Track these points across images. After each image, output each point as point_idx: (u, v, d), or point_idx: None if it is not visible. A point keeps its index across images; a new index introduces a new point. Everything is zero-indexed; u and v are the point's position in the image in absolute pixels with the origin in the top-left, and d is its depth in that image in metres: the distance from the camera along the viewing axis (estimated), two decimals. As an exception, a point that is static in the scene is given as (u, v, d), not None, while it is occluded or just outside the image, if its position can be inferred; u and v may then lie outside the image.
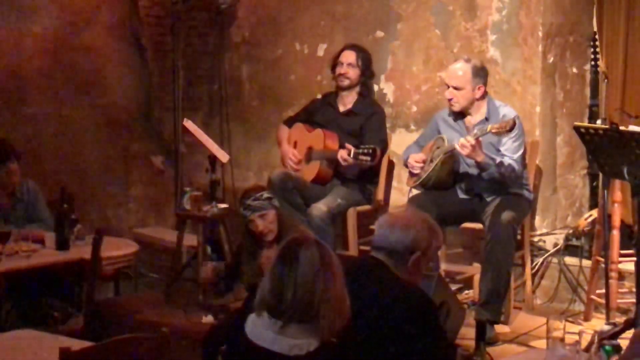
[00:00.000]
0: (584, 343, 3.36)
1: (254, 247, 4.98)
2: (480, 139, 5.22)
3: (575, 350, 3.28)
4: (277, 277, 2.79)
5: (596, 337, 3.29)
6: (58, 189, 5.77)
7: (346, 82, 6.10)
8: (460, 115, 5.53)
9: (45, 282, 5.39)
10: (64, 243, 5.26)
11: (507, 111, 5.42)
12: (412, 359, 3.04)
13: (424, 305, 3.19)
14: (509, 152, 5.32)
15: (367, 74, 6.13)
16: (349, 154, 5.62)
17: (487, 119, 5.41)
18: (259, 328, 2.79)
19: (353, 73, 6.08)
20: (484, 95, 5.48)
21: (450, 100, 5.48)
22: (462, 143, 5.19)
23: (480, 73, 5.47)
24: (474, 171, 5.40)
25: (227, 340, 2.88)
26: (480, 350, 2.59)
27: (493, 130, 5.14)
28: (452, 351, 3.28)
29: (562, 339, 3.38)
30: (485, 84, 5.48)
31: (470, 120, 5.50)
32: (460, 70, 5.46)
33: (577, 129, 4.53)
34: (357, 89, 6.12)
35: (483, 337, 2.69)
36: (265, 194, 4.93)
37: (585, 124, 5.33)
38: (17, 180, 5.66)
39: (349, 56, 6.09)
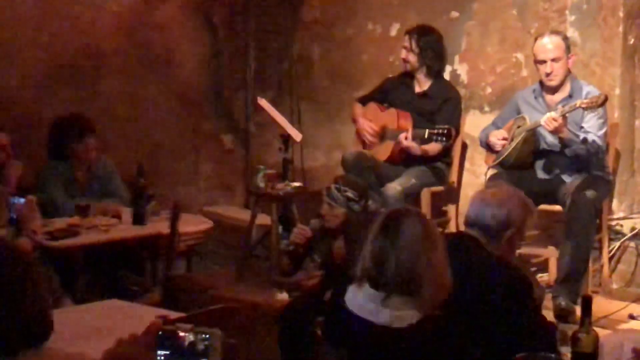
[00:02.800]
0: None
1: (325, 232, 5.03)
2: (568, 115, 5.17)
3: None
4: (379, 248, 2.77)
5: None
6: (129, 165, 5.84)
7: (407, 67, 6.08)
8: (542, 94, 5.47)
9: (121, 257, 5.46)
10: (140, 218, 5.32)
11: (590, 89, 5.37)
12: (513, 335, 3.01)
13: (521, 281, 3.16)
14: (593, 129, 5.26)
15: (427, 56, 6.02)
16: (414, 137, 5.63)
17: (570, 96, 5.35)
18: (360, 299, 2.78)
19: (411, 57, 6.03)
20: (570, 70, 5.42)
21: (549, 75, 5.40)
22: (548, 119, 5.13)
23: (569, 43, 5.49)
24: (555, 150, 5.35)
25: (326, 313, 2.86)
26: (585, 326, 2.56)
27: (583, 105, 5.09)
28: (552, 327, 3.25)
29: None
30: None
31: (552, 98, 5.44)
32: (553, 42, 5.42)
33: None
34: (425, 70, 6.06)
35: (589, 313, 2.65)
36: (350, 193, 4.93)
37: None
38: (95, 155, 5.72)
39: (405, 41, 6.06)
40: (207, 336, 2.02)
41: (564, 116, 5.14)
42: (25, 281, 2.11)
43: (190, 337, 2.03)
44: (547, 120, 5.14)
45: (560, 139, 5.23)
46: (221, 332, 2.04)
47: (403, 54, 6.06)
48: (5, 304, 2.05)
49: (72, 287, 5.05)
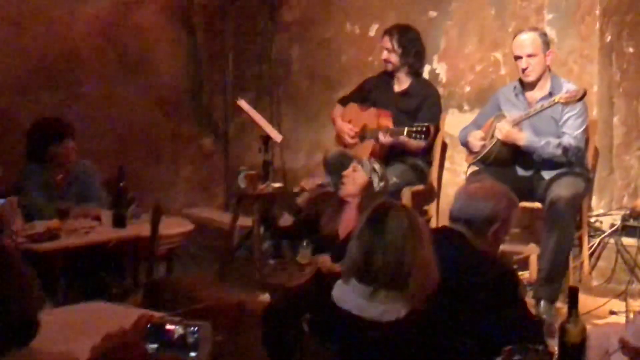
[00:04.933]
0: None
1: (336, 206, 5.11)
2: (526, 121, 5.22)
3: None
4: (365, 243, 2.77)
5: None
6: (109, 168, 5.81)
7: (389, 67, 6.08)
8: (522, 92, 5.50)
9: (101, 260, 5.43)
10: (121, 220, 5.30)
11: (570, 86, 5.39)
12: (500, 328, 3.01)
13: (508, 275, 3.17)
14: (569, 129, 5.30)
15: (408, 55, 6.03)
16: (392, 134, 5.65)
17: (550, 94, 5.38)
18: (347, 295, 2.78)
19: (392, 57, 6.04)
20: (549, 67, 5.45)
21: (525, 70, 5.44)
22: (499, 128, 5.22)
23: (547, 40, 5.52)
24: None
25: (313, 309, 2.85)
26: (572, 317, 2.56)
27: (562, 101, 5.12)
28: (539, 321, 3.26)
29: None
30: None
31: (532, 95, 5.47)
32: (529, 38, 5.46)
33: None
34: (407, 69, 6.07)
35: (576, 304, 2.65)
36: (377, 168, 5.17)
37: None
38: (74, 158, 5.69)
39: (385, 41, 6.05)
40: (196, 329, 2.00)
41: (518, 125, 5.20)
42: (10, 280, 2.10)
43: (179, 329, 2.01)
44: (497, 131, 5.23)
45: (520, 147, 5.28)
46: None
47: (384, 55, 6.06)
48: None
49: (52, 290, 5.01)
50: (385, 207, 2.83)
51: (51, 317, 3.29)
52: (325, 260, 5.14)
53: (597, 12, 6.03)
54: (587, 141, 5.54)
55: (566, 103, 5.16)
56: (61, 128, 5.63)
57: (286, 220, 5.39)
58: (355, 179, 5.09)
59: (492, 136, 5.45)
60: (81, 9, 6.73)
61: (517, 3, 6.30)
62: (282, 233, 5.53)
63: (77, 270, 5.34)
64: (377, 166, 5.17)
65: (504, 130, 5.28)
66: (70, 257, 5.18)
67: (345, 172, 5.18)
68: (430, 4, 6.71)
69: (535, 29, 5.60)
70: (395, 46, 6.00)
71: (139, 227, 5.30)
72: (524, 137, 5.31)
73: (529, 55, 5.42)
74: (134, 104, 7.12)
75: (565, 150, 5.27)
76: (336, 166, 5.84)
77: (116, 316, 3.45)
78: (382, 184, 5.19)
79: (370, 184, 5.12)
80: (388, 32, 6.09)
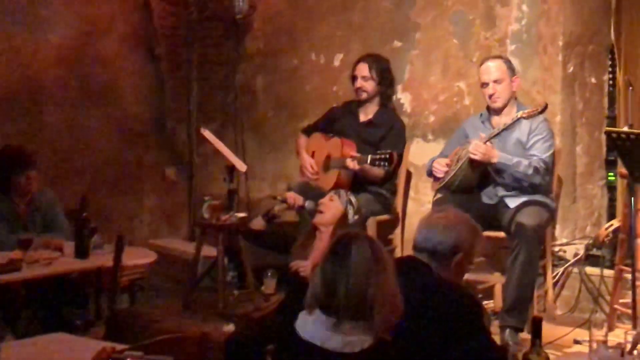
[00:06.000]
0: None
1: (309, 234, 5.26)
2: (494, 141, 5.26)
3: (620, 352, 3.26)
4: (329, 273, 2.76)
5: (641, 339, 3.26)
6: (72, 198, 5.77)
7: (364, 95, 6.09)
8: (489, 118, 5.54)
9: (63, 291, 5.38)
10: (83, 251, 5.26)
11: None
12: (465, 358, 3.00)
13: (472, 305, 3.16)
14: (538, 151, 5.34)
15: (385, 83, 6.09)
16: (359, 161, 5.65)
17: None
18: (311, 325, 2.75)
19: (369, 85, 6.05)
20: (515, 94, 5.49)
21: (492, 96, 5.47)
22: (473, 147, 5.22)
23: (512, 66, 5.59)
24: (497, 174, 5.41)
25: (277, 340, 2.83)
26: (536, 347, 2.56)
27: (524, 115, 5.17)
28: (503, 350, 3.26)
29: (605, 342, 3.35)
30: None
31: (499, 121, 5.50)
32: (495, 64, 5.52)
33: (608, 133, 4.53)
34: (378, 99, 6.09)
35: (539, 334, 2.66)
36: (353, 200, 5.30)
37: (617, 128, 5.31)
38: (36, 188, 5.65)
39: (362, 69, 6.07)
40: (158, 364, 1.98)
41: (490, 141, 5.22)
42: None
43: (141, 365, 1.98)
44: (472, 148, 5.23)
45: (492, 165, 5.30)
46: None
47: (359, 82, 6.06)
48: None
49: (13, 322, 4.96)
50: (348, 237, 2.82)
51: (12, 349, 3.25)
52: (299, 264, 5.16)
53: (560, 43, 6.08)
54: (553, 168, 5.58)
55: (528, 117, 5.22)
56: (23, 158, 5.61)
57: (258, 223, 5.39)
58: (330, 208, 5.12)
59: (457, 161, 5.46)
60: (44, 38, 6.71)
61: (480, 34, 6.35)
62: (252, 236, 5.51)
63: (38, 301, 5.29)
64: (353, 199, 5.22)
65: (480, 148, 5.26)
66: (32, 289, 5.14)
67: (321, 201, 5.20)
68: (394, 34, 6.74)
69: (500, 57, 5.68)
70: (374, 74, 6.03)
71: (102, 258, 5.27)
72: (497, 155, 5.32)
73: (496, 81, 5.47)
74: (97, 133, 7.09)
75: (537, 170, 5.30)
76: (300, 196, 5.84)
77: (78, 349, 3.42)
78: (356, 216, 5.24)
79: (345, 215, 5.15)
80: (365, 60, 6.10)
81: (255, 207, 7.04)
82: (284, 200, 5.74)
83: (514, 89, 5.53)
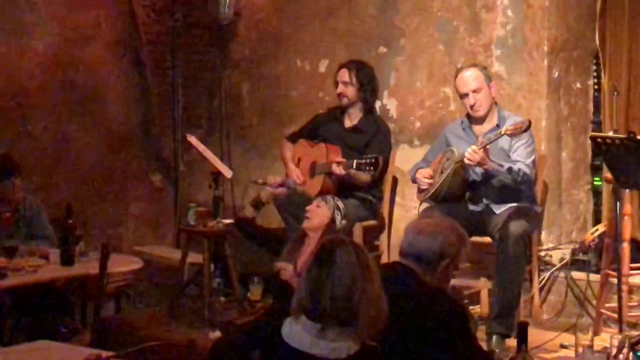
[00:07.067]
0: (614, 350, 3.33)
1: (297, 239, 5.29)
2: (489, 146, 5.24)
3: (606, 356, 3.26)
4: (314, 279, 2.75)
5: (627, 343, 3.26)
6: (56, 205, 5.76)
7: (345, 101, 6.08)
8: (470, 126, 5.54)
9: (49, 298, 5.36)
10: (68, 259, 5.25)
11: (516, 119, 5.44)
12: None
13: (458, 311, 3.16)
14: (521, 157, 5.33)
15: (367, 89, 6.08)
16: (344, 166, 5.65)
17: (498, 126, 5.42)
18: (296, 332, 2.74)
19: (350, 91, 6.05)
20: (495, 100, 5.50)
21: (473, 106, 5.47)
22: (470, 152, 5.20)
23: (488, 73, 5.60)
24: (483, 181, 5.41)
25: (263, 346, 2.82)
26: (522, 352, 2.57)
27: (508, 132, 5.16)
28: (490, 356, 3.26)
29: (591, 346, 3.36)
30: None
31: (480, 129, 5.50)
32: (471, 74, 5.50)
33: (593, 139, 4.54)
34: (361, 105, 6.09)
35: (525, 339, 2.66)
36: (341, 206, 5.33)
37: (602, 133, 5.33)
38: (21, 196, 5.64)
39: (343, 75, 6.07)
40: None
41: (485, 148, 5.22)
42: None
43: (126, 372, 1.97)
44: (469, 154, 5.22)
45: (486, 170, 5.30)
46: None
47: (340, 88, 6.06)
48: None
49: (-1, 330, 4.94)
50: (332, 243, 2.81)
51: (-4, 357, 3.24)
52: (283, 266, 5.17)
53: (545, 48, 6.10)
54: (536, 175, 5.58)
55: (512, 135, 5.21)
56: (7, 165, 5.59)
57: (248, 211, 5.46)
58: (317, 214, 5.14)
59: (442, 172, 5.46)
60: (29, 45, 6.69)
61: (465, 39, 6.36)
62: (242, 224, 5.54)
63: (24, 309, 5.27)
64: (340, 204, 5.24)
65: (477, 156, 5.22)
66: (17, 296, 5.12)
67: (308, 207, 5.22)
68: (380, 40, 6.75)
69: (474, 65, 5.65)
70: (354, 80, 6.02)
71: (87, 265, 5.26)
72: (489, 161, 5.31)
73: (475, 91, 5.46)
74: (83, 140, 7.07)
75: (525, 175, 5.31)
76: (285, 204, 5.84)
77: (63, 356, 3.40)
78: (344, 222, 5.26)
79: (332, 221, 5.16)
80: (346, 65, 6.10)
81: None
82: (265, 183, 5.81)
83: (493, 95, 5.53)
